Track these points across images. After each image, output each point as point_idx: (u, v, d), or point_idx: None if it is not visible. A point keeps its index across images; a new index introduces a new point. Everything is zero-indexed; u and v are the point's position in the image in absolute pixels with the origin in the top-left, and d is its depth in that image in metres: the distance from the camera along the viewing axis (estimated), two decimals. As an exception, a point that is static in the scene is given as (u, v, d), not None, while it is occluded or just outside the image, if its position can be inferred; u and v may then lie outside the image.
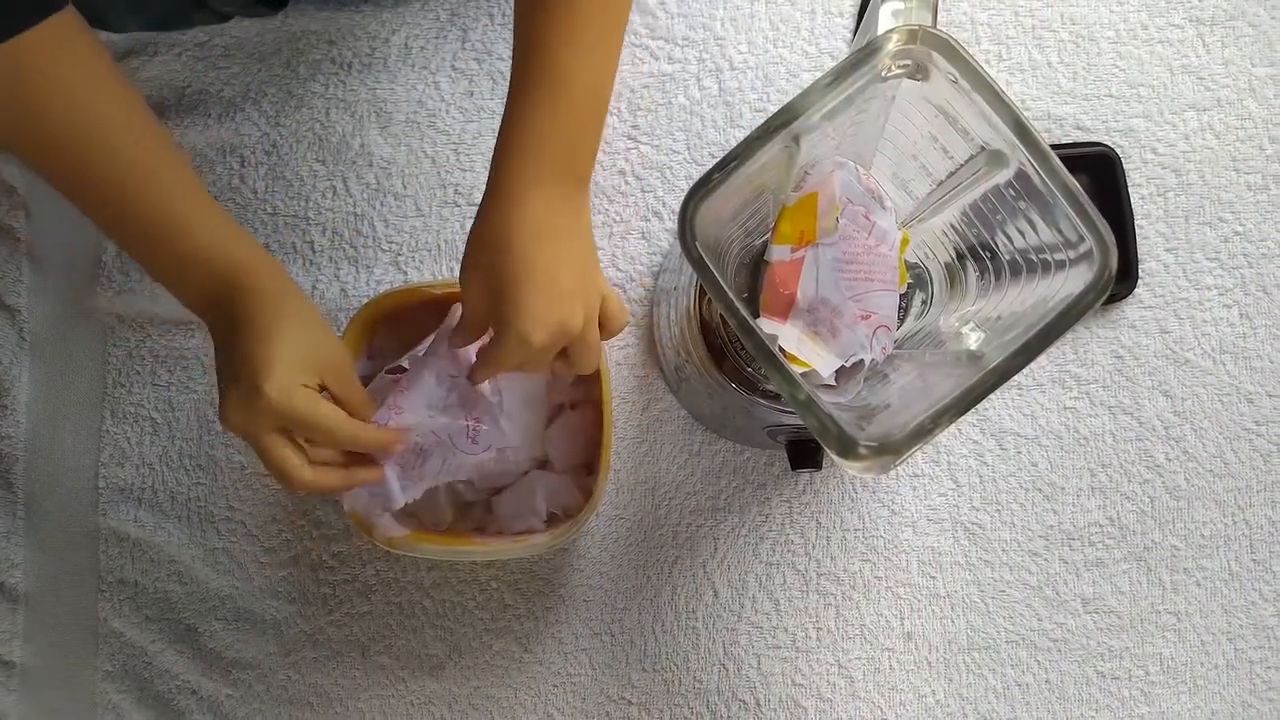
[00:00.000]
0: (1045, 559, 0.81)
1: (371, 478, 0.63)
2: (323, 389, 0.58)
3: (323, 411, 0.56)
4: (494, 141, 0.79)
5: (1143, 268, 0.81)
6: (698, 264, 0.47)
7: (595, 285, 0.58)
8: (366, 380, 0.73)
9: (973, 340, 0.51)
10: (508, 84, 0.80)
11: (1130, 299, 0.81)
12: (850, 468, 0.45)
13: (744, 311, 0.48)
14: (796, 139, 0.49)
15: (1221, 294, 0.81)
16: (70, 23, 0.53)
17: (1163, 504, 0.81)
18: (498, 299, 0.55)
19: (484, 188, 0.57)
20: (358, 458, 0.62)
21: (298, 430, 0.56)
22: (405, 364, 0.71)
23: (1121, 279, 0.80)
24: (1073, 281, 0.46)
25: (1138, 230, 0.81)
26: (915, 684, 0.80)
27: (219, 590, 0.81)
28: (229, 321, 0.56)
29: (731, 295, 0.48)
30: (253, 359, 0.54)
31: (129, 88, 0.56)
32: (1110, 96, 0.81)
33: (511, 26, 0.81)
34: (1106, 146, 0.80)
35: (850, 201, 0.55)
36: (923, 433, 0.45)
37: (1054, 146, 0.80)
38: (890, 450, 0.45)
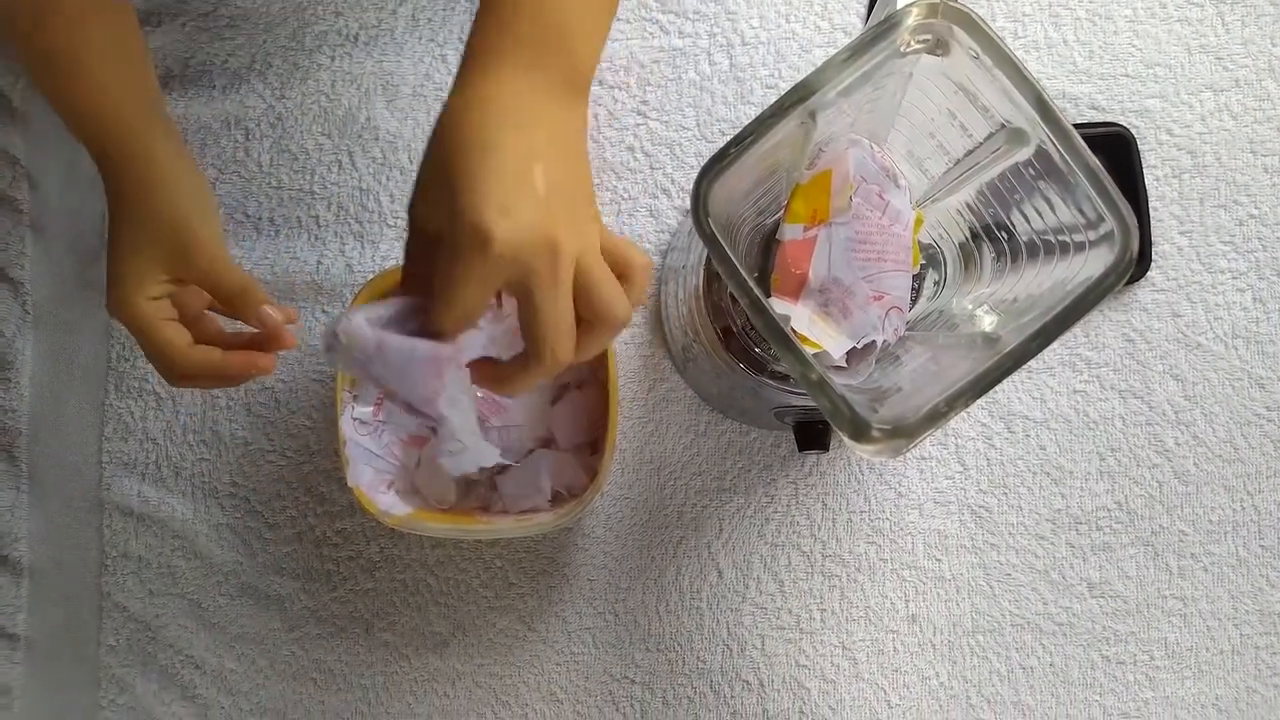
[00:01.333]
0: (1052, 543, 0.80)
1: (262, 361, 0.56)
2: (180, 282, 0.55)
3: (162, 336, 0.53)
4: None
5: (1156, 250, 0.80)
6: (710, 241, 0.47)
7: (587, 208, 0.44)
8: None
9: (987, 323, 0.51)
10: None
11: (1143, 282, 0.80)
12: (862, 451, 0.45)
13: (756, 290, 0.47)
14: (813, 115, 0.48)
15: (1235, 278, 0.81)
16: None
17: (1171, 489, 0.80)
18: (450, 204, 0.40)
19: (462, 55, 0.45)
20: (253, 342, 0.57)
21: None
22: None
23: (1135, 260, 0.80)
24: (1092, 264, 0.45)
25: (1151, 212, 0.80)
26: (919, 666, 0.80)
27: (223, 565, 0.81)
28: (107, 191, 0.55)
29: (744, 273, 0.47)
30: (108, 255, 0.53)
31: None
32: (1126, 76, 0.80)
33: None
34: (1121, 127, 0.79)
35: (864, 180, 0.55)
36: (937, 416, 0.44)
37: (1069, 126, 0.79)
38: (904, 434, 0.44)
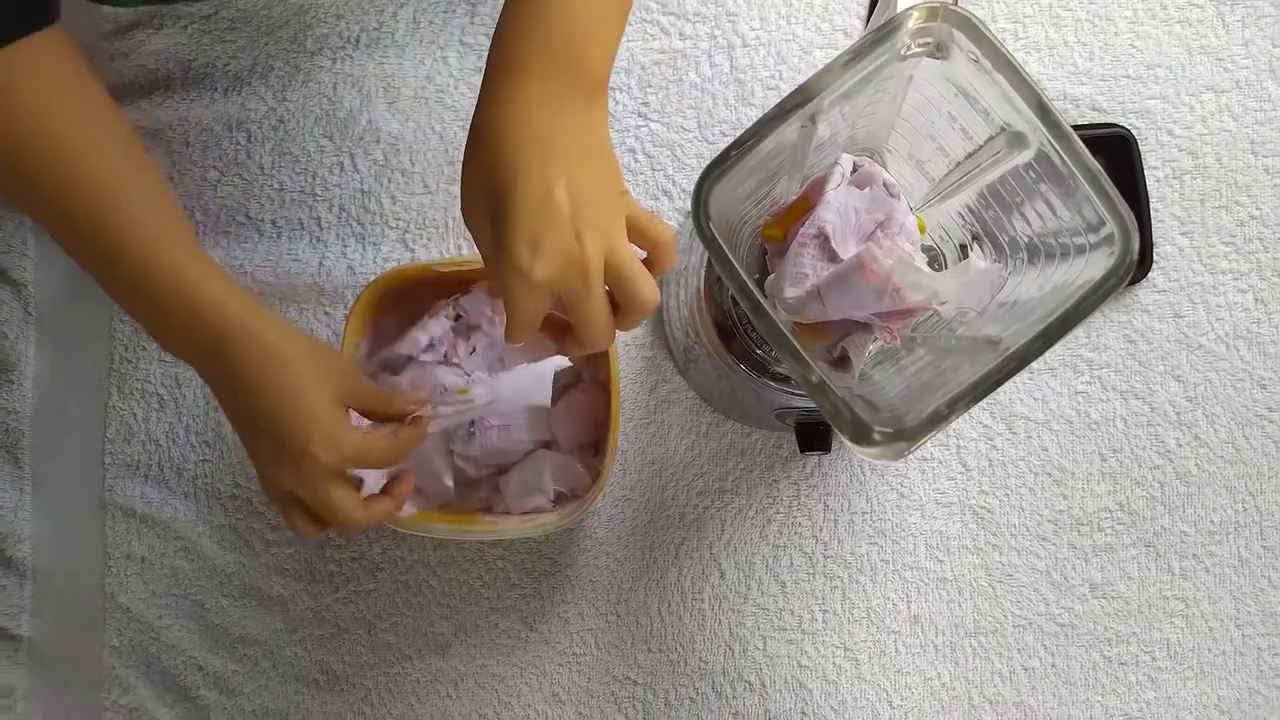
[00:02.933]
0: (1054, 544, 0.80)
1: (406, 489, 0.62)
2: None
3: (372, 443, 0.55)
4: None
5: (1157, 251, 0.80)
6: (711, 244, 0.47)
7: (613, 202, 0.47)
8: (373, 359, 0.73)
9: (990, 326, 0.51)
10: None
11: (1144, 283, 0.80)
12: (864, 453, 0.45)
13: (757, 293, 0.47)
14: (813, 119, 0.48)
15: (1236, 279, 0.81)
16: (60, 44, 0.49)
17: (1173, 490, 0.80)
18: (495, 223, 0.46)
19: (485, 68, 0.49)
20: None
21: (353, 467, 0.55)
22: (403, 350, 0.71)
23: (1136, 262, 0.80)
24: (1093, 267, 0.45)
25: (1153, 213, 0.80)
26: (921, 667, 0.80)
27: (225, 567, 0.81)
28: (228, 374, 0.53)
29: (745, 276, 0.47)
30: (283, 420, 0.51)
31: (120, 120, 0.52)
32: (1127, 77, 0.80)
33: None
34: (1122, 128, 0.79)
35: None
36: (938, 419, 0.44)
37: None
38: (905, 436, 0.44)
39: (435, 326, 0.72)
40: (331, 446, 0.52)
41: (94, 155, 0.51)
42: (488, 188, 0.46)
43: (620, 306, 0.49)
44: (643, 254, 0.50)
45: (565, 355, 0.54)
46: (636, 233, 0.49)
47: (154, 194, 0.53)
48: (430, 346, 0.72)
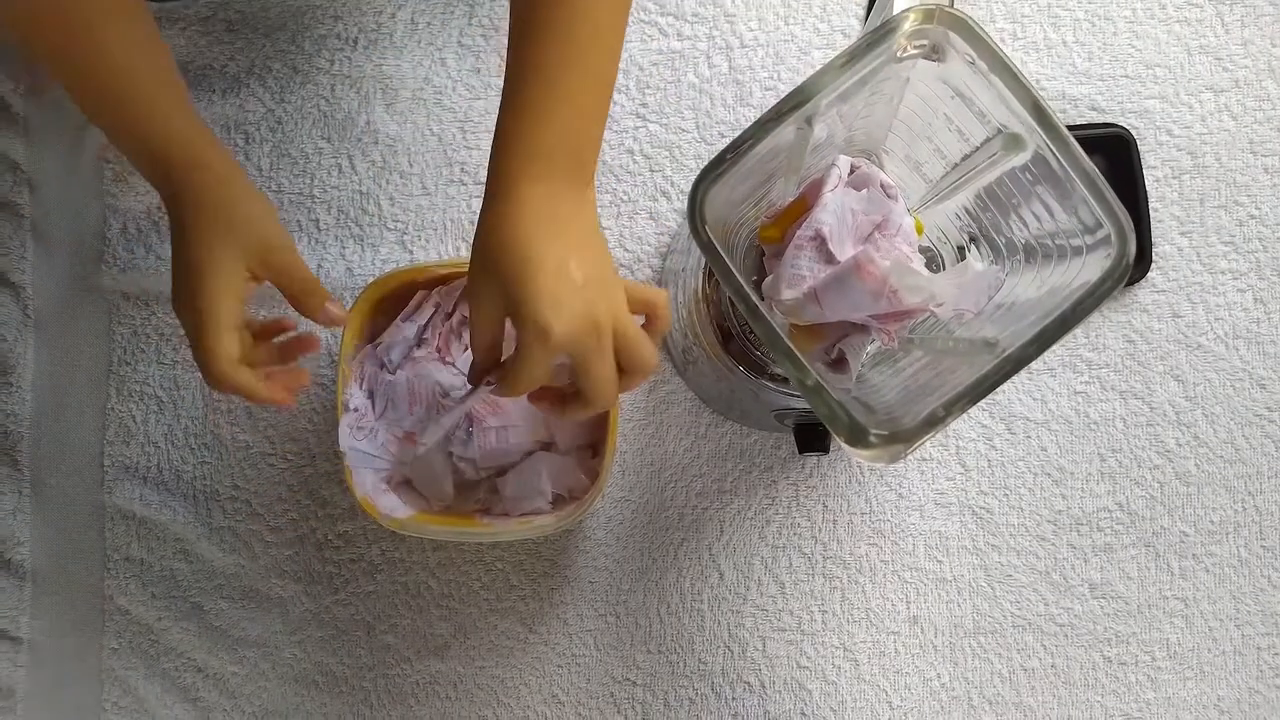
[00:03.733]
0: (1053, 544, 0.80)
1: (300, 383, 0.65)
2: (256, 280, 0.59)
3: (221, 341, 0.58)
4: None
5: (1156, 251, 0.80)
6: (707, 248, 0.47)
7: (612, 275, 0.53)
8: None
9: (986, 327, 0.51)
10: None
11: (1143, 282, 0.80)
12: (860, 456, 0.45)
13: (753, 296, 0.47)
14: (809, 121, 0.48)
15: (1235, 278, 0.80)
16: None
17: (1172, 490, 0.80)
18: (510, 301, 0.51)
19: (488, 171, 0.54)
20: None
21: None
22: (391, 342, 0.72)
23: (1135, 263, 0.79)
24: (1089, 268, 0.45)
25: (1152, 213, 0.80)
26: (920, 668, 0.80)
27: (224, 569, 0.81)
28: (174, 221, 0.58)
29: (741, 279, 0.47)
30: (185, 254, 0.57)
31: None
32: (1126, 77, 0.80)
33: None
34: (1121, 128, 0.79)
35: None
36: (935, 422, 0.44)
37: (1068, 127, 0.78)
38: (901, 439, 0.44)
39: (421, 318, 0.72)
40: (197, 291, 0.58)
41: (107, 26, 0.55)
42: (501, 266, 0.51)
43: (624, 369, 0.54)
44: (640, 319, 0.55)
45: (569, 418, 0.58)
46: (635, 301, 0.55)
47: (155, 56, 0.59)
48: (423, 342, 0.72)
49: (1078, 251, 0.47)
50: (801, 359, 0.47)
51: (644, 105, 0.80)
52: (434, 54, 0.80)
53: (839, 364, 0.55)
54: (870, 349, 0.56)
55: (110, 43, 0.56)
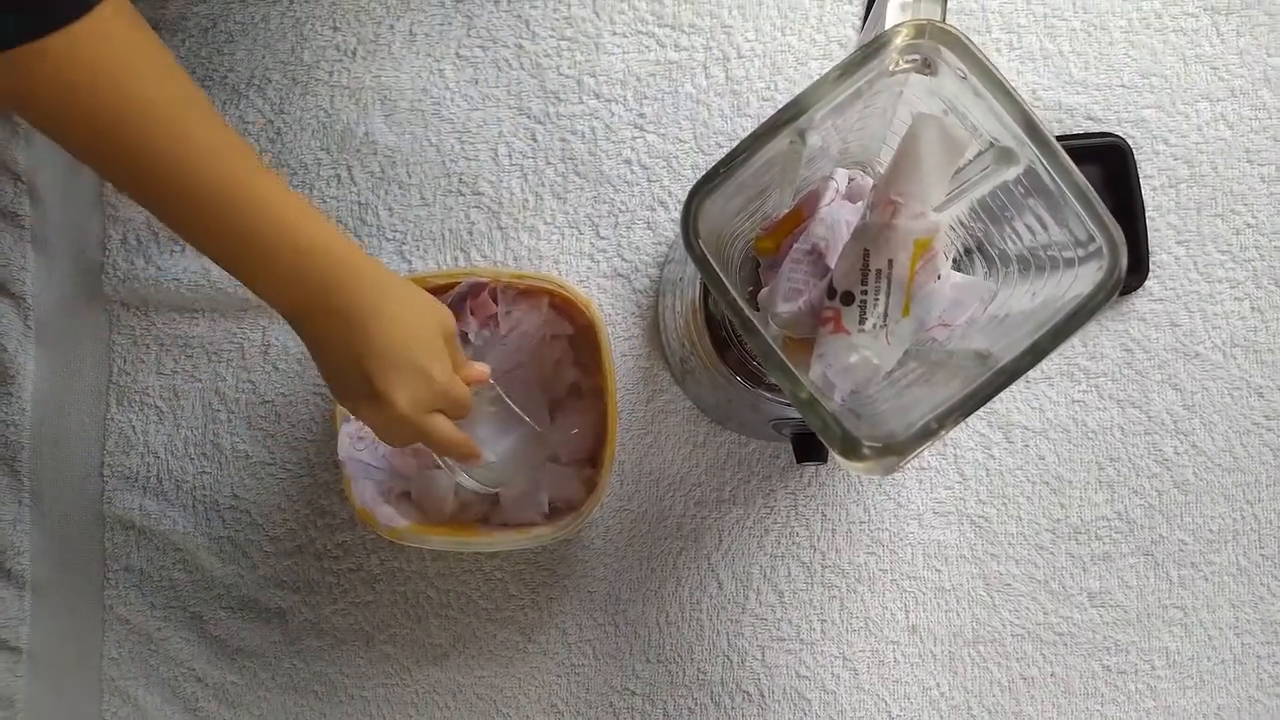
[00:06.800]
0: (1052, 553, 0.80)
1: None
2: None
3: (460, 386, 0.59)
4: (498, 130, 0.80)
5: (1153, 260, 0.80)
6: (700, 262, 0.47)
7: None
8: None
9: (979, 339, 0.51)
10: (512, 72, 0.80)
11: (1140, 291, 0.80)
12: (854, 468, 0.45)
13: (747, 310, 0.47)
14: (802, 134, 0.48)
15: (1233, 287, 0.80)
16: (125, 8, 0.49)
17: (1171, 498, 0.80)
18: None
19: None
20: None
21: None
22: None
23: (1132, 271, 0.80)
24: (1082, 280, 0.45)
25: (1149, 222, 0.80)
26: (920, 677, 0.80)
27: (224, 578, 0.81)
28: (342, 309, 0.54)
29: (734, 292, 0.47)
30: (398, 346, 0.54)
31: (185, 74, 0.52)
32: (1122, 86, 0.80)
33: (517, 13, 0.80)
34: (1118, 137, 0.79)
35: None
36: (928, 434, 0.44)
37: (1065, 137, 0.79)
38: (895, 451, 0.44)
39: None
40: (449, 375, 0.57)
41: (182, 120, 0.50)
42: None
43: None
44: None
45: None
46: None
47: (238, 147, 0.53)
48: None
49: (1070, 263, 0.47)
50: (795, 372, 0.47)
51: (641, 116, 0.80)
52: (432, 65, 0.80)
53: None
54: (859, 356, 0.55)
55: (209, 151, 0.51)
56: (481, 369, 0.63)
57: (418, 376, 0.55)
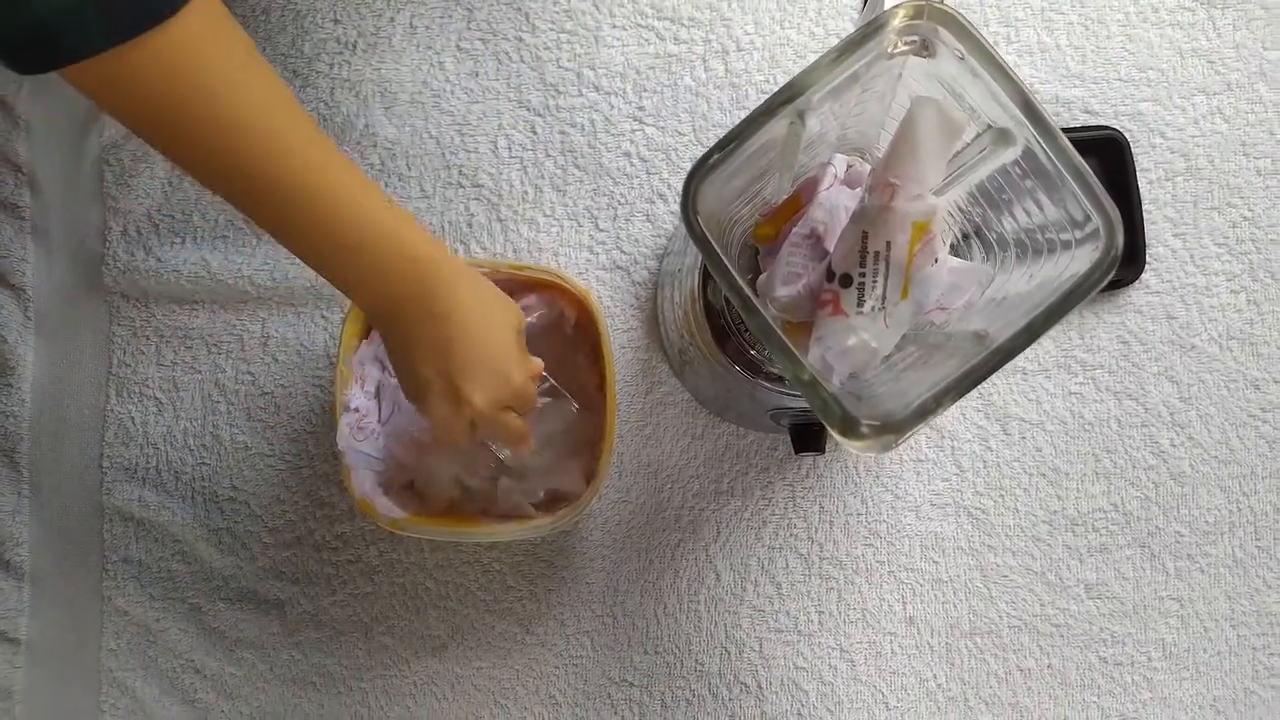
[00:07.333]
0: (1049, 544, 0.80)
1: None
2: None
3: (514, 425, 0.62)
4: (498, 123, 0.80)
5: (1150, 253, 0.81)
6: (700, 240, 0.47)
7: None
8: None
9: (976, 321, 0.51)
10: (512, 65, 0.80)
11: (1137, 284, 0.81)
12: (852, 447, 0.45)
13: (747, 290, 0.48)
14: (801, 116, 0.48)
15: (1229, 280, 0.81)
16: (216, 5, 0.49)
17: (1167, 490, 0.81)
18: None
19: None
20: None
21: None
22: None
23: (1129, 264, 0.80)
24: (1079, 261, 0.46)
25: (1145, 215, 0.80)
26: (917, 668, 0.80)
27: (223, 570, 0.81)
28: (440, 313, 0.56)
29: (735, 273, 0.48)
30: (490, 349, 0.57)
31: (274, 73, 0.51)
32: (1119, 80, 0.81)
33: (517, 6, 0.81)
34: (1115, 130, 0.80)
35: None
36: (925, 412, 0.44)
37: (1062, 130, 0.79)
38: (892, 429, 0.45)
39: None
40: (525, 376, 0.59)
41: (269, 115, 0.50)
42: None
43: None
44: None
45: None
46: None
47: (330, 148, 0.54)
48: None
49: (1067, 245, 0.47)
50: (796, 353, 0.47)
51: (641, 109, 0.80)
52: (432, 58, 0.81)
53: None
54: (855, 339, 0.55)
55: (295, 153, 0.51)
56: (537, 362, 0.64)
57: (499, 378, 0.58)
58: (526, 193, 0.80)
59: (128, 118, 0.48)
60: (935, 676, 0.80)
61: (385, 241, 0.54)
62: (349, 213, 0.52)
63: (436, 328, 0.56)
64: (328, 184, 0.52)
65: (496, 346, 0.58)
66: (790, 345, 0.48)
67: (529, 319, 0.74)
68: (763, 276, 0.58)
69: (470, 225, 0.80)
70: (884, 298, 0.50)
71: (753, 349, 0.69)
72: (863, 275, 0.50)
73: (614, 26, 0.80)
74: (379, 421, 0.74)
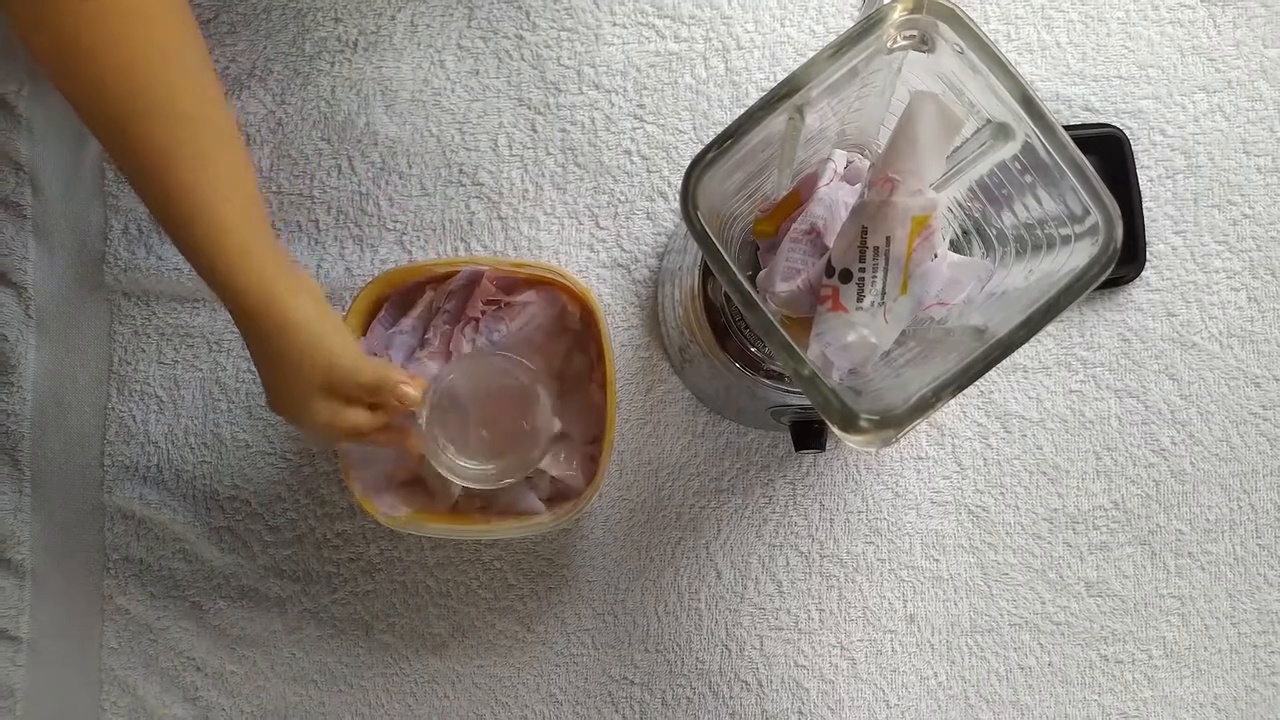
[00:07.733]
0: (1049, 542, 0.80)
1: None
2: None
3: (352, 420, 0.63)
4: (498, 121, 0.80)
5: (1150, 250, 0.81)
6: (700, 235, 0.47)
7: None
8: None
9: (976, 316, 0.51)
10: (512, 63, 0.80)
11: (1137, 282, 0.81)
12: (852, 442, 0.45)
13: (747, 286, 0.48)
14: (800, 111, 0.48)
15: (1229, 277, 0.81)
16: None
17: (1168, 488, 0.81)
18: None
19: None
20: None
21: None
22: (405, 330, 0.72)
23: (1129, 262, 0.80)
24: (1078, 256, 0.46)
25: (1146, 213, 0.80)
26: (917, 666, 0.80)
27: (223, 568, 0.81)
28: (255, 340, 0.59)
29: (735, 269, 0.48)
30: (284, 393, 0.61)
31: (200, 45, 0.54)
32: (1119, 78, 0.81)
33: (518, 5, 0.81)
34: (1115, 128, 0.80)
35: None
36: (924, 406, 0.44)
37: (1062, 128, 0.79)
38: (892, 424, 0.45)
39: (405, 325, 0.73)
40: (311, 428, 0.62)
41: (170, 86, 0.52)
42: None
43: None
44: None
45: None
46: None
47: (228, 170, 0.56)
48: (425, 342, 0.72)
49: (1066, 240, 0.47)
50: (796, 349, 0.47)
51: (641, 106, 0.80)
52: (433, 56, 0.81)
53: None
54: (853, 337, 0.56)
55: (185, 139, 0.54)
56: (416, 387, 0.66)
57: (294, 415, 0.62)
58: (527, 190, 0.80)
59: (49, 63, 0.50)
60: (936, 674, 0.80)
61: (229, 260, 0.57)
62: (202, 219, 0.55)
63: (258, 349, 0.60)
64: (196, 180, 0.54)
65: (288, 397, 0.61)
66: (790, 341, 0.48)
67: (527, 319, 0.74)
68: (762, 272, 0.58)
69: (471, 223, 0.80)
70: (884, 293, 0.50)
71: (753, 346, 0.69)
72: (862, 270, 0.50)
73: (614, 24, 0.81)
74: None
